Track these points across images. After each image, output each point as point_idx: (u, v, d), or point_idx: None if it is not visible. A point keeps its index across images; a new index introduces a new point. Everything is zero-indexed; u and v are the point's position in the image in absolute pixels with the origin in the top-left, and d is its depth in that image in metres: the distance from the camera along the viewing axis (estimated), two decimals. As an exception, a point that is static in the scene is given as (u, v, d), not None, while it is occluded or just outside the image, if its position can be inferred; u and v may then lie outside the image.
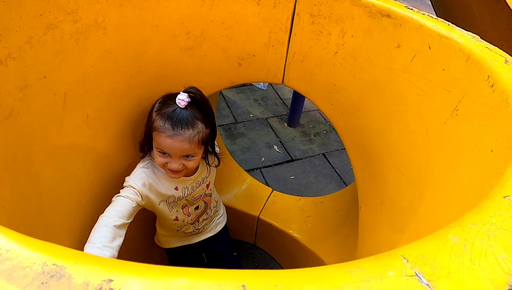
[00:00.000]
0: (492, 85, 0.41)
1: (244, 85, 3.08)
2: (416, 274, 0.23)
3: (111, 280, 0.21)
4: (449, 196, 0.45)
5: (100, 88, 0.80)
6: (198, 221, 1.03)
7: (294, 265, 1.58)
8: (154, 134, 0.79)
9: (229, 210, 1.54)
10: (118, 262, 0.23)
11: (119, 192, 0.81)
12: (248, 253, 1.75)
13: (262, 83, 3.12)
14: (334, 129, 2.73)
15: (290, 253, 1.54)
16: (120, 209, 0.75)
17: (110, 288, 0.21)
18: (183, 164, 0.80)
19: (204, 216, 1.05)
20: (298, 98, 2.53)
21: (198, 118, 0.78)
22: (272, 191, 1.64)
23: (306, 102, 2.60)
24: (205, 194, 1.00)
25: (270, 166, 2.28)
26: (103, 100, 0.81)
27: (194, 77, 0.95)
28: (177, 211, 0.94)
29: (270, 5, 0.81)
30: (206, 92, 1.02)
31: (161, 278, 0.21)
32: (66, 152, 0.73)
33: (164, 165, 0.81)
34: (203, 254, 1.15)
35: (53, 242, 0.24)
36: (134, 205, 0.78)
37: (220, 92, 3.00)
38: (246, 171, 1.67)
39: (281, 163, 2.31)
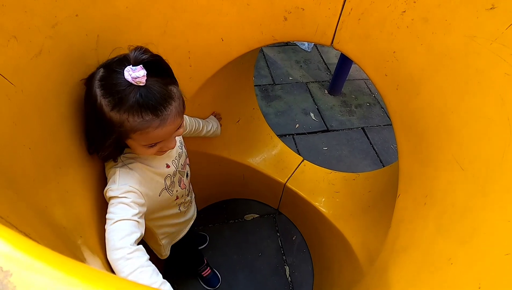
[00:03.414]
0: None
1: (287, 44, 2.88)
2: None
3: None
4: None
5: (134, 32, 0.75)
6: (188, 188, 0.93)
7: (316, 238, 1.56)
8: (135, 136, 0.60)
9: (256, 173, 1.52)
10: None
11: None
12: (270, 217, 1.77)
13: (307, 43, 2.89)
14: (378, 102, 2.51)
15: (313, 226, 1.51)
16: (127, 235, 0.57)
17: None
18: (176, 136, 0.68)
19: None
20: (344, 63, 2.32)
21: (167, 82, 0.60)
22: (302, 161, 1.58)
23: (352, 69, 2.38)
24: (185, 155, 0.90)
25: (304, 134, 2.19)
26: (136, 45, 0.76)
27: (233, 29, 0.86)
28: (176, 191, 0.84)
29: None
30: (246, 48, 0.93)
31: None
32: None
33: (156, 152, 0.68)
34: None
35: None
36: (139, 216, 0.62)
37: (261, 50, 2.84)
38: (278, 136, 1.61)
39: (315, 132, 2.21)
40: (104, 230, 0.59)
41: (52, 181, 0.54)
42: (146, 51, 0.58)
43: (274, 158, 1.57)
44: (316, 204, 1.40)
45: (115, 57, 0.61)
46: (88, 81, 0.60)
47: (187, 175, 0.92)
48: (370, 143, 2.21)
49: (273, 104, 2.38)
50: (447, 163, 0.61)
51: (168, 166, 0.80)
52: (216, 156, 1.39)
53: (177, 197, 0.87)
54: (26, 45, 0.51)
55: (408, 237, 0.71)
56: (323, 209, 1.37)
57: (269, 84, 2.54)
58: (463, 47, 0.58)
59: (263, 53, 2.81)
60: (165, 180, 0.79)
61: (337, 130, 2.27)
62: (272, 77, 2.62)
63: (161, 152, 0.70)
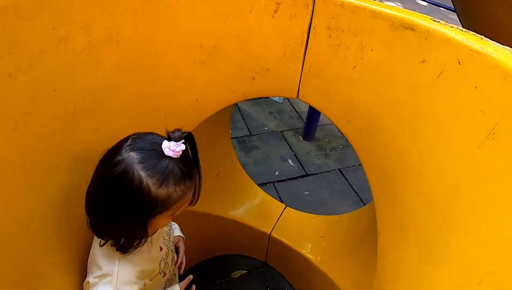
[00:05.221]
0: (538, 107, 0.36)
1: (259, 97, 3.06)
2: None
3: None
4: (488, 232, 0.39)
5: (111, 101, 0.79)
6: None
7: (306, 287, 1.50)
8: (175, 206, 0.63)
9: (240, 226, 1.49)
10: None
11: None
12: (259, 271, 1.69)
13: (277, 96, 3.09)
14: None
15: (303, 274, 1.46)
16: None
17: None
18: None
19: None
20: (314, 111, 2.48)
21: (194, 153, 0.67)
22: (285, 208, 1.58)
23: (322, 115, 2.55)
24: (172, 231, 0.90)
25: (284, 180, 2.23)
26: (114, 113, 0.80)
27: (206, 90, 0.93)
28: (169, 271, 0.83)
29: (286, 18, 0.79)
30: (220, 106, 1.00)
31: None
32: (74, 165, 0.72)
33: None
34: None
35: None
36: None
37: (236, 104, 3.00)
38: (258, 185, 1.63)
39: (295, 178, 2.25)
40: None
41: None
42: (179, 129, 0.64)
43: (256, 208, 1.56)
44: (303, 251, 1.38)
45: (136, 139, 0.63)
46: (120, 173, 0.58)
47: (177, 251, 0.90)
48: (349, 184, 2.28)
49: (251, 154, 2.44)
50: (414, 196, 0.65)
51: (161, 248, 0.78)
52: (197, 213, 1.37)
53: (165, 274, 0.83)
54: (1, 121, 0.52)
55: (394, 270, 0.72)
56: (310, 256, 1.34)
57: (246, 136, 2.63)
58: (408, 93, 0.67)
59: (238, 107, 2.95)
60: (160, 264, 0.77)
61: (315, 174, 2.33)
62: (248, 128, 2.73)
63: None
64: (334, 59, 0.78)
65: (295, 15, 0.78)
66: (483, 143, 0.45)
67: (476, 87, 0.49)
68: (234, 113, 2.86)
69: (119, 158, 0.59)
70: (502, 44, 0.51)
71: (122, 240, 0.63)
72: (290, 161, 2.42)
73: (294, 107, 3.04)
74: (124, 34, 0.73)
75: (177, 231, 1.00)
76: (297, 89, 0.90)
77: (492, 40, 0.52)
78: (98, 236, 0.66)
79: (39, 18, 0.56)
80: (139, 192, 0.58)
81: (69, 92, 0.67)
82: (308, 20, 0.77)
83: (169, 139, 0.61)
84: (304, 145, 2.60)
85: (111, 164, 0.59)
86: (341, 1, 0.71)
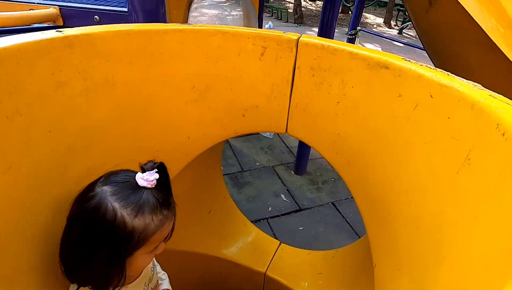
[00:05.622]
0: (504, 134, 0.39)
1: (250, 133, 3.14)
2: None
3: None
4: (472, 255, 0.40)
5: (104, 140, 0.81)
6: None
7: (306, 331, 1.41)
8: (153, 239, 0.60)
9: (234, 265, 1.44)
10: None
11: None
12: (255, 315, 1.59)
13: (267, 132, 3.17)
14: (342, 176, 2.67)
15: (301, 316, 1.39)
16: None
17: None
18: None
19: None
20: (304, 145, 2.54)
21: (166, 184, 0.65)
22: (279, 244, 1.54)
23: (312, 149, 2.60)
24: (156, 272, 0.86)
25: (278, 216, 2.20)
26: (106, 151, 0.81)
27: (198, 128, 0.97)
28: None
29: (272, 59, 0.85)
30: (211, 142, 1.02)
31: None
32: (64, 206, 0.71)
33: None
34: None
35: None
36: None
37: (227, 141, 3.04)
38: (252, 222, 1.60)
39: (288, 213, 2.23)
40: None
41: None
42: (151, 160, 0.65)
43: (250, 246, 1.52)
44: (300, 290, 1.32)
45: (109, 175, 0.63)
46: (93, 208, 0.57)
47: None
48: (343, 217, 2.26)
49: (243, 191, 2.42)
50: (405, 224, 0.66)
51: None
52: (189, 253, 1.33)
53: None
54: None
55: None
56: (308, 295, 1.29)
57: (238, 172, 2.64)
58: (389, 125, 0.71)
59: (230, 144, 3.00)
60: None
61: (309, 208, 2.31)
62: (240, 164, 2.74)
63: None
64: (319, 96, 0.83)
65: (280, 57, 0.84)
66: (460, 169, 0.48)
67: (448, 118, 0.53)
68: (226, 149, 2.89)
69: (91, 193, 0.59)
70: (467, 79, 0.57)
71: (97, 284, 0.59)
72: (282, 196, 2.41)
73: (284, 142, 3.10)
74: (120, 77, 0.77)
75: (165, 283, 0.94)
76: (285, 124, 0.94)
77: (458, 76, 0.58)
78: (72, 282, 0.62)
79: (40, 65, 0.60)
80: (113, 225, 0.55)
81: (63, 132, 0.69)
82: (293, 61, 0.84)
83: (143, 171, 0.62)
84: (296, 179, 2.61)
85: (84, 200, 0.59)
86: (322, 44, 0.78)
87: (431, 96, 0.58)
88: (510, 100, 0.45)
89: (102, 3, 1.22)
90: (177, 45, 0.82)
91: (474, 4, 0.75)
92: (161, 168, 0.64)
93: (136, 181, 0.60)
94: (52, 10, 0.99)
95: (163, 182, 0.63)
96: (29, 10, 1.01)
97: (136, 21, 1.04)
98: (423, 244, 0.56)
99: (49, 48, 0.60)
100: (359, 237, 2.07)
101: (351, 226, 2.19)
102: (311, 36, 0.82)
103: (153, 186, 0.60)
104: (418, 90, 0.61)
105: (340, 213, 2.30)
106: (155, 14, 1.01)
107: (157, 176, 0.61)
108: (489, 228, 0.39)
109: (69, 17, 1.04)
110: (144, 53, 0.79)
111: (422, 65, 0.63)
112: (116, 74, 0.76)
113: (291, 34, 0.82)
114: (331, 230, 2.15)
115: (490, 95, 0.47)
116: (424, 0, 0.91)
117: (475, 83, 0.52)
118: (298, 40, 0.81)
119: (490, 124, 0.42)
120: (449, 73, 0.58)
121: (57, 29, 0.64)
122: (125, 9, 1.02)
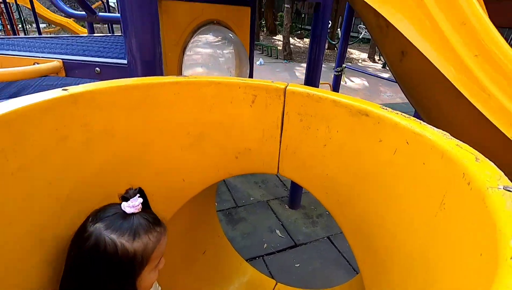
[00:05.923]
0: (469, 183, 0.44)
1: (244, 168, 3.17)
2: None
3: None
4: (458, 287, 0.42)
5: (102, 187, 0.83)
6: None
7: None
8: (153, 256, 0.65)
9: (230, 308, 1.39)
10: None
11: None
12: None
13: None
14: (336, 209, 2.68)
15: None
16: None
17: None
18: None
19: None
20: (297, 179, 2.57)
21: (148, 205, 0.71)
22: (276, 284, 1.52)
23: (305, 183, 2.62)
24: None
25: (273, 253, 2.16)
26: (103, 197, 0.83)
27: (193, 171, 1.00)
28: None
29: (262, 106, 0.91)
30: (206, 184, 1.06)
31: None
32: (56, 256, 0.71)
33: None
34: None
35: None
36: None
37: (221, 176, 3.07)
38: (247, 260, 1.58)
39: (284, 249, 2.19)
40: None
41: None
42: (130, 188, 0.70)
43: (245, 286, 1.49)
44: (299, 333, 1.28)
45: (96, 213, 0.67)
46: (93, 245, 0.60)
47: None
48: (339, 252, 2.23)
49: (238, 227, 2.40)
50: (396, 259, 0.68)
51: None
52: (184, 296, 1.29)
53: None
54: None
55: None
56: (307, 338, 1.25)
57: (232, 207, 2.62)
58: (373, 168, 0.76)
59: (224, 180, 3.01)
60: None
61: (304, 243, 2.28)
62: (234, 200, 2.73)
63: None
64: (307, 139, 0.89)
65: (270, 104, 0.91)
66: (438, 213, 0.52)
67: (423, 163, 0.58)
68: (220, 185, 2.89)
69: (86, 234, 0.63)
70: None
71: None
72: (278, 231, 2.39)
73: (278, 176, 3.13)
74: (119, 128, 0.81)
75: None
76: (277, 165, 0.98)
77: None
78: None
79: (45, 122, 0.64)
80: (116, 255, 0.60)
81: (63, 183, 0.72)
82: (281, 108, 0.90)
83: (126, 200, 0.67)
84: (291, 214, 2.60)
85: (81, 242, 0.62)
86: (307, 93, 0.85)
87: (407, 142, 0.63)
88: (474, 150, 0.50)
89: (103, 55, 1.30)
90: (173, 96, 0.88)
91: (436, 56, 0.84)
92: (141, 192, 0.70)
93: (124, 211, 0.65)
94: (56, 64, 1.06)
95: (146, 204, 0.70)
96: (34, 64, 1.07)
97: (135, 70, 1.12)
98: (413, 276, 0.58)
99: (55, 106, 0.65)
100: (356, 272, 2.04)
101: (347, 261, 2.16)
102: (297, 84, 0.90)
103: (140, 210, 0.66)
104: (395, 136, 0.67)
105: (336, 248, 2.28)
106: (152, 65, 1.09)
107: (141, 200, 0.67)
108: (470, 266, 0.42)
109: (72, 69, 1.11)
110: (142, 104, 0.84)
111: (398, 113, 0.69)
112: (115, 124, 0.81)
113: (279, 83, 0.90)
114: (328, 266, 2.11)
115: (457, 145, 0.53)
116: (397, 50, 1.01)
117: (444, 132, 0.58)
118: (286, 88, 0.88)
119: (458, 172, 0.47)
120: (421, 122, 0.64)
121: (62, 88, 0.70)
122: (125, 61, 1.10)
